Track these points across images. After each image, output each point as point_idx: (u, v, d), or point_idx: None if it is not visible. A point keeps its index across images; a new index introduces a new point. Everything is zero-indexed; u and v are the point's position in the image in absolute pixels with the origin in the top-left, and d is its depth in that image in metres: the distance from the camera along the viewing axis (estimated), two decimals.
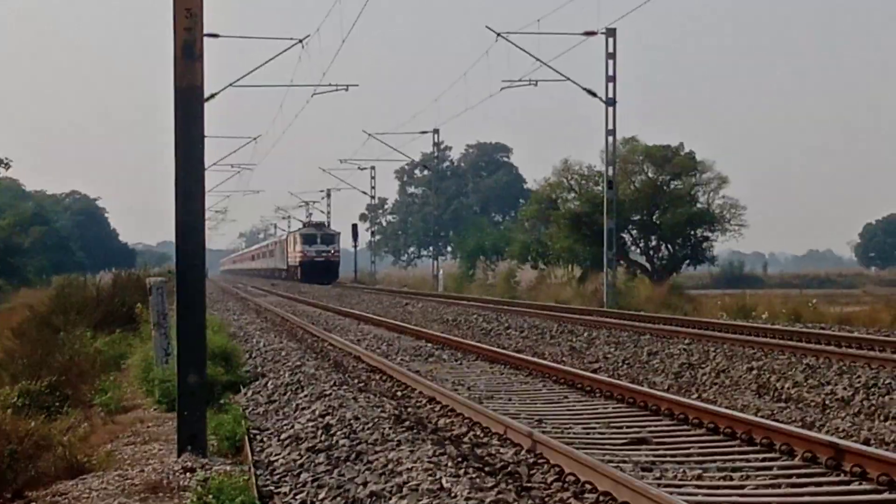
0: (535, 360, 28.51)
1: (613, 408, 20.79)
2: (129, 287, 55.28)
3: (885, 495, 13.14)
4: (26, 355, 31.70)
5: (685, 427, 18.40)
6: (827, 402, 21.65)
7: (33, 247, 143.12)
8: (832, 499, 13.17)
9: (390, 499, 12.94)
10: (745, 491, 13.74)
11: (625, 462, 15.20)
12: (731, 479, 14.50)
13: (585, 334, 36.40)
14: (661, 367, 27.55)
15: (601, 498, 13.22)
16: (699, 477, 14.62)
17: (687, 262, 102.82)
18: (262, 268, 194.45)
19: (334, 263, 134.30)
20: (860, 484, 13.79)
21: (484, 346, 32.52)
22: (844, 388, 22.14)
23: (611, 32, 58.21)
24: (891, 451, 15.26)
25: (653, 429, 18.30)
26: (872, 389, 21.61)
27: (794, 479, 14.30)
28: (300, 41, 64.22)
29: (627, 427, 18.55)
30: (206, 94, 18.18)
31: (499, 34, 57.18)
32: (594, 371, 26.10)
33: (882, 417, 19.75)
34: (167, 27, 17.40)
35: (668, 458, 15.83)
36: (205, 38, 17.83)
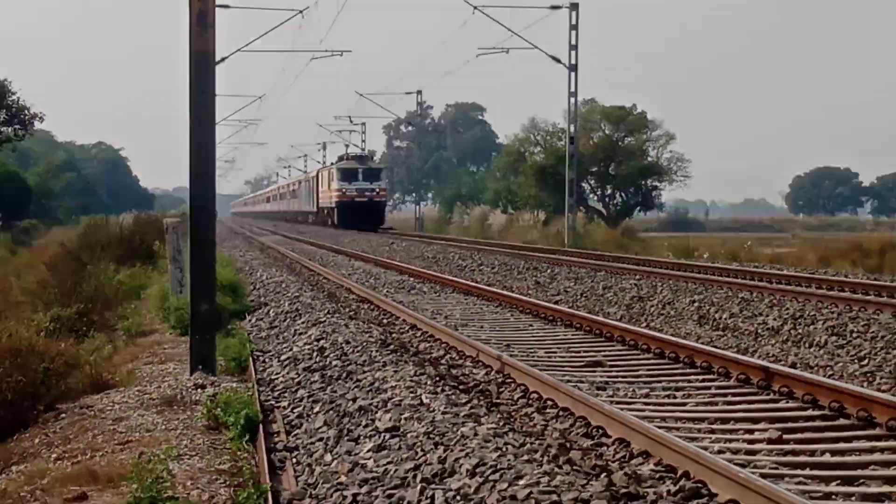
0: (504, 292, 28.56)
1: (572, 335, 20.80)
2: (148, 227, 55.29)
3: (809, 412, 13.16)
4: (57, 286, 31.75)
5: (635, 352, 18.42)
6: (759, 330, 21.68)
7: (64, 191, 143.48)
8: (763, 415, 13.18)
9: (376, 412, 12.93)
10: (687, 408, 13.75)
11: (582, 382, 15.20)
12: (675, 397, 14.54)
13: (548, 270, 36.31)
14: (615, 300, 27.55)
15: (561, 413, 13.22)
16: (647, 395, 14.66)
17: (638, 208, 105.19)
18: (281, 210, 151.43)
19: (380, 205, 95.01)
20: (787, 402, 13.82)
21: (459, 280, 32.46)
22: (774, 319, 22.17)
23: (574, 6, 57.92)
24: (814, 374, 15.28)
25: (607, 353, 18.30)
26: (799, 320, 21.64)
27: (729, 398, 14.34)
28: (300, 12, 64.01)
29: (584, 352, 18.56)
30: (217, 58, 18.12)
31: (475, 7, 56.94)
32: (556, 302, 26.08)
33: (807, 344, 19.79)
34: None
35: (620, 379, 15.85)
36: (216, 9, 17.80)
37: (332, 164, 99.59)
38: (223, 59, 56.14)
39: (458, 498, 9.37)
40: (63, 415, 15.86)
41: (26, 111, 74.52)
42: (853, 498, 9.72)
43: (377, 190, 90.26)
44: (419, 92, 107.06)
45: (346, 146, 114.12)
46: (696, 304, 25.24)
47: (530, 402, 14.08)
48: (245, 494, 10.27)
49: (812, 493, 9.61)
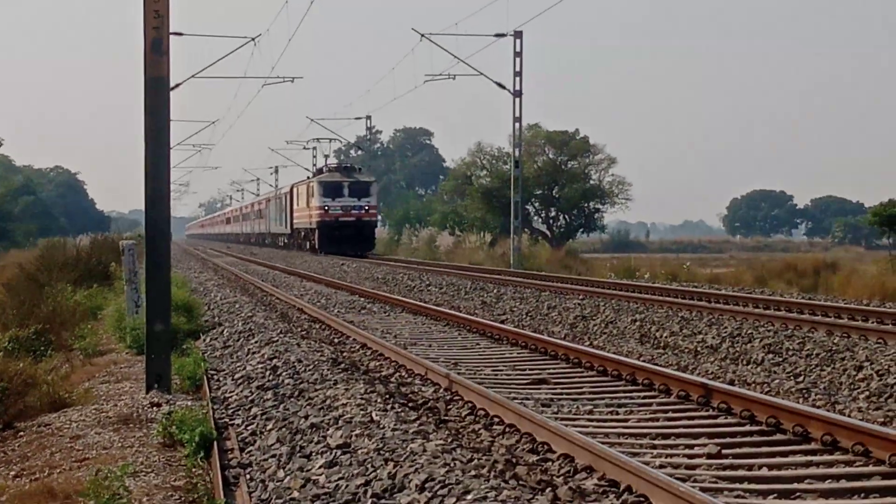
0: (452, 312, 28.55)
1: (518, 353, 20.85)
2: (104, 249, 55.69)
3: (747, 427, 13.24)
4: (15, 307, 31.68)
5: (579, 369, 18.48)
6: (698, 348, 21.78)
7: (22, 214, 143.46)
8: (702, 430, 13.26)
9: (328, 429, 12.93)
10: (629, 424, 13.82)
11: (527, 399, 15.25)
12: (618, 413, 14.59)
13: (494, 291, 36.38)
14: (559, 319, 27.61)
15: (507, 429, 13.25)
16: (590, 412, 14.71)
17: (581, 230, 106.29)
18: (244, 232, 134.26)
19: (370, 225, 76.21)
20: (726, 418, 13.90)
21: (408, 300, 32.52)
22: (713, 338, 22.27)
23: (518, 34, 58.03)
24: (752, 391, 15.38)
25: (551, 371, 18.37)
26: (737, 338, 21.75)
27: (670, 414, 14.41)
28: (252, 39, 64.13)
29: (530, 369, 18.62)
30: (171, 83, 18.14)
31: (423, 35, 57.20)
32: (502, 322, 26.13)
33: (745, 362, 19.89)
34: (138, 24, 17.39)
35: (564, 396, 15.90)
36: (170, 36, 17.81)
37: (311, 176, 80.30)
38: (177, 85, 56.28)
39: None
40: (21, 433, 15.83)
41: None
42: None
43: (366, 207, 71.42)
44: (368, 117, 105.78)
45: (326, 156, 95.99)
46: (637, 323, 25.32)
47: (478, 418, 14.10)
48: None
49: None
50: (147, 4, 17.25)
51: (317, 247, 73.27)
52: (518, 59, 58.60)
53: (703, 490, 9.91)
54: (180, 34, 58.57)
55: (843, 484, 10.66)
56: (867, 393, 16.42)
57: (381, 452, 11.49)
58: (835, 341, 20.42)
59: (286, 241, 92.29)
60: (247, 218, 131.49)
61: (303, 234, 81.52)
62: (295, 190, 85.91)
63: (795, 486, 10.64)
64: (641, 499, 9.85)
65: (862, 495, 10.26)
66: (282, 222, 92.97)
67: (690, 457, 11.91)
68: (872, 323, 23.14)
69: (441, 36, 58.25)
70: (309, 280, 45.17)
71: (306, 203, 77.30)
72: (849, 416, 14.07)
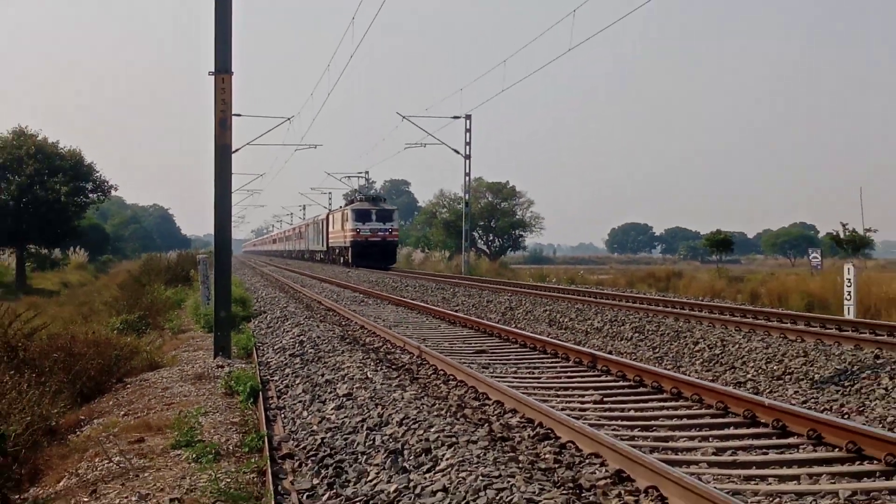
0: (422, 304, 28.16)
1: (466, 332, 20.76)
2: (186, 260, 56.32)
3: (621, 383, 13.23)
4: (125, 299, 31.89)
5: (508, 343, 18.40)
6: (588, 329, 21.77)
7: (130, 237, 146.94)
8: (591, 385, 13.22)
9: (337, 384, 12.90)
10: (541, 380, 13.76)
11: (472, 364, 15.19)
12: (534, 373, 14.53)
13: (451, 290, 36.22)
14: (494, 309, 27.56)
15: (458, 384, 13.20)
16: (515, 372, 14.64)
17: (509, 249, 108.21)
18: (287, 249, 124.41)
19: (392, 244, 70.81)
20: (606, 377, 13.88)
21: (393, 296, 32.36)
22: (598, 322, 22.27)
23: (468, 117, 57.82)
24: (623, 358, 15.36)
25: (489, 344, 18.27)
26: (614, 322, 21.74)
27: (569, 374, 14.37)
28: (289, 119, 63.97)
29: (475, 343, 18.52)
30: (233, 149, 18.10)
31: (404, 117, 57.22)
32: (455, 311, 26.05)
33: (619, 339, 19.86)
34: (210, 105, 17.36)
35: (498, 362, 15.84)
36: (233, 116, 17.77)
37: (345, 205, 72.29)
38: (237, 150, 56.23)
39: (391, 440, 9.36)
40: (128, 386, 15.88)
41: (105, 183, 73.88)
42: (648, 439, 9.78)
43: (390, 230, 66.12)
44: (367, 172, 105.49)
45: (355, 190, 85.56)
46: (547, 312, 25.30)
47: (439, 376, 14.06)
48: (250, 438, 10.23)
49: (622, 436, 9.66)
50: (217, 94, 17.19)
51: (350, 261, 67.05)
52: (468, 133, 58.59)
53: (591, 425, 9.91)
54: (239, 115, 58.74)
55: (686, 421, 10.67)
56: (701, 360, 16.45)
57: (373, 399, 11.47)
58: (680, 325, 20.45)
59: (322, 256, 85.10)
60: (289, 239, 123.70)
61: (337, 251, 74.71)
62: (331, 216, 78.88)
63: (653, 423, 10.66)
64: (549, 431, 9.85)
65: (697, 429, 10.29)
66: (319, 242, 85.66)
67: (582, 403, 11.91)
68: (704, 312, 23.21)
69: (416, 118, 58.33)
70: (325, 282, 45.03)
71: (341, 226, 70.92)
72: (689, 375, 14.11)
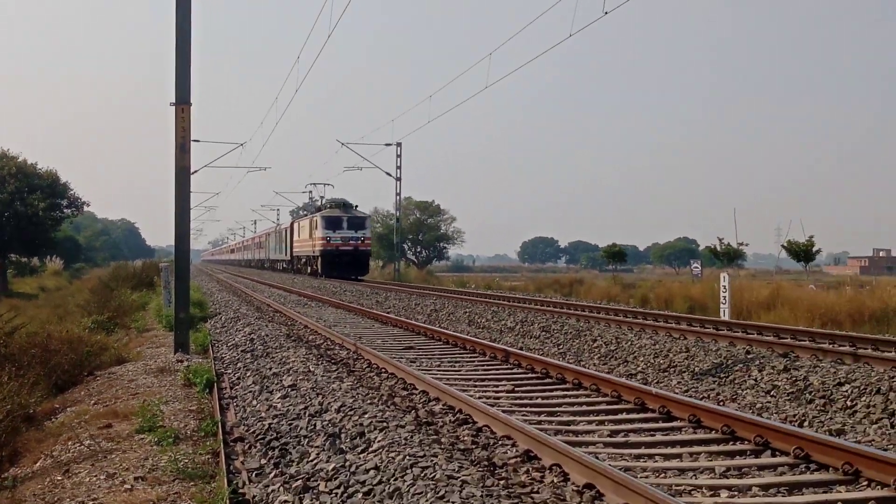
0: (358, 306, 27.96)
1: (397, 331, 20.72)
2: (150, 268, 55.75)
3: (530, 375, 13.28)
4: (96, 302, 31.59)
5: (433, 341, 18.38)
6: (502, 328, 21.84)
7: (101, 247, 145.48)
8: (504, 376, 13.25)
9: (283, 376, 12.83)
10: (461, 373, 13.76)
11: (402, 358, 15.18)
12: (455, 367, 14.53)
13: (384, 294, 36.15)
14: (421, 310, 27.53)
15: (389, 376, 13.17)
16: (439, 366, 14.62)
17: (435, 259, 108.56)
18: (246, 258, 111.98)
19: (365, 254, 59.50)
20: (517, 370, 13.92)
21: (332, 299, 32.22)
22: (511, 322, 22.35)
23: (399, 144, 57.78)
24: (532, 354, 15.42)
25: (416, 342, 18.24)
26: (524, 323, 21.83)
27: (485, 367, 14.39)
28: (241, 144, 63.86)
29: (404, 340, 18.49)
30: (192, 170, 17.97)
31: (343, 143, 56.77)
32: (387, 312, 26.00)
33: (529, 337, 19.96)
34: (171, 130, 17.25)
35: (424, 356, 15.82)
36: (192, 142, 17.61)
37: (313, 211, 59.48)
38: (195, 172, 56.09)
39: (329, 425, 9.33)
40: (98, 378, 15.72)
41: (78, 199, 73.50)
42: (553, 423, 9.84)
43: (362, 239, 54.57)
44: (311, 191, 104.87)
45: (322, 196, 68.97)
46: (467, 314, 25.35)
47: (372, 369, 14.03)
48: (205, 424, 10.17)
49: (530, 421, 9.70)
50: (177, 122, 17.06)
51: (319, 272, 55.29)
52: (399, 158, 58.66)
53: (504, 411, 9.95)
54: (197, 140, 58.57)
55: (585, 408, 10.74)
56: (599, 355, 16.58)
57: (315, 389, 11.43)
58: (581, 325, 20.59)
59: (285, 265, 72.55)
60: (248, 248, 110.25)
61: (304, 260, 62.92)
62: (296, 224, 66.47)
63: (557, 409, 10.71)
64: (468, 416, 9.86)
65: (594, 415, 10.37)
66: (281, 251, 73.29)
67: (497, 392, 11.94)
68: (601, 314, 23.41)
69: (353, 144, 58.15)
70: (273, 287, 44.78)
71: (309, 234, 58.89)
72: (588, 368, 14.20)
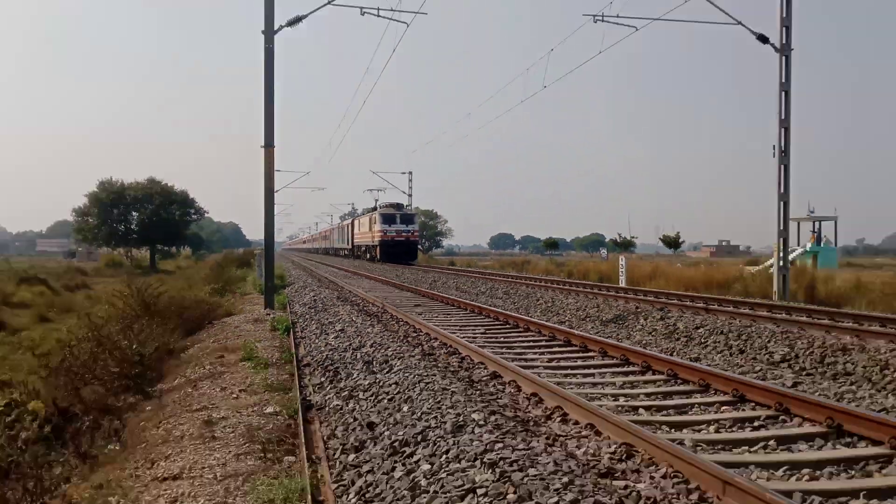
0: (383, 278, 27.63)
1: (409, 294, 20.64)
2: (248, 254, 55.47)
3: (496, 322, 13.27)
4: (213, 276, 31.30)
5: (436, 302, 18.30)
6: (477, 293, 21.78)
7: (216, 240, 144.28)
8: (479, 324, 13.23)
9: (335, 324, 12.83)
10: (451, 322, 13.69)
11: (412, 312, 15.17)
12: (447, 318, 14.47)
13: (401, 271, 35.88)
14: (424, 281, 27.36)
15: (404, 324, 13.14)
16: (437, 317, 14.55)
17: (434, 247, 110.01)
18: (315, 247, 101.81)
19: (414, 244, 51.88)
20: (488, 318, 13.91)
21: (366, 274, 31.93)
22: (483, 288, 22.31)
23: (410, 172, 57.31)
24: (498, 309, 15.39)
25: (424, 302, 18.21)
26: (492, 289, 21.79)
27: (467, 317, 14.33)
28: (307, 173, 63.53)
29: (414, 301, 18.41)
30: (276, 189, 17.84)
31: (374, 172, 55.53)
32: (403, 283, 25.88)
33: (495, 298, 19.90)
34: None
35: (427, 312, 15.75)
36: (275, 172, 17.46)
37: (374, 210, 51.47)
38: (277, 191, 55.95)
39: (366, 355, 9.34)
40: (214, 325, 15.61)
41: (201, 209, 74.35)
42: (510, 354, 9.82)
43: (412, 232, 48.01)
44: (352, 204, 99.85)
45: (376, 199, 59.39)
46: (455, 283, 25.31)
47: (393, 319, 14.00)
48: (285, 355, 10.18)
49: (496, 352, 9.70)
50: (266, 159, 16.80)
51: (377, 257, 48.02)
52: (410, 183, 58.09)
53: (478, 346, 9.97)
54: (279, 170, 58.38)
55: (531, 344, 10.70)
56: (541, 310, 16.56)
57: (356, 332, 11.43)
58: (529, 290, 20.59)
59: (346, 252, 64.00)
60: (315, 240, 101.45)
61: (363, 248, 54.24)
62: (356, 221, 58.81)
63: (514, 345, 10.69)
64: (456, 350, 9.88)
65: (538, 349, 10.38)
66: (344, 242, 65.16)
67: (474, 334, 11.90)
68: (542, 283, 23.42)
69: (381, 172, 57.70)
70: (330, 266, 44.57)
71: (368, 228, 51.13)
72: (533, 318, 14.22)
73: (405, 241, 47.00)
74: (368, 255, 51.00)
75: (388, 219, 47.24)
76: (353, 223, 60.13)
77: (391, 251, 46.28)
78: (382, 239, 46.70)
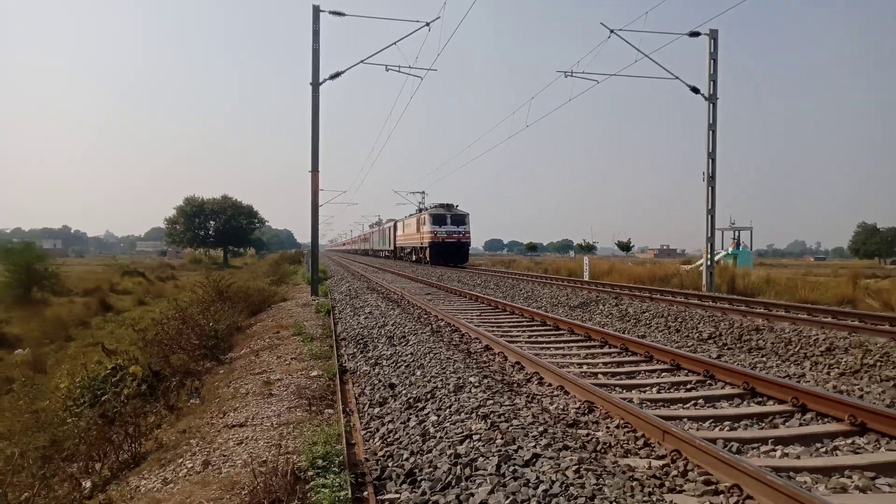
0: (401, 272, 27.44)
1: (422, 286, 20.42)
2: (298, 254, 54.87)
3: (488, 307, 13.14)
4: (271, 270, 31.12)
5: (441, 291, 18.03)
6: (474, 284, 21.45)
7: (273, 243, 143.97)
8: (475, 308, 13.07)
9: (365, 307, 12.78)
10: (454, 306, 13.52)
11: (424, 299, 15.07)
12: (451, 304, 14.30)
13: (416, 267, 35.14)
14: (434, 275, 27.03)
15: (418, 308, 13.09)
16: (443, 303, 14.40)
17: None
18: (354, 249, 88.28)
19: (465, 245, 33.72)
20: (482, 305, 13.77)
21: (389, 269, 31.66)
22: (479, 281, 22.05)
23: (423, 192, 51.99)
24: (487, 296, 15.28)
25: (433, 292, 18.07)
26: (486, 282, 21.43)
27: (467, 304, 14.16)
28: (343, 192, 62.83)
29: (426, 291, 18.25)
30: (321, 202, 17.73)
31: (396, 191, 53.90)
32: (417, 276, 25.64)
33: (487, 288, 19.65)
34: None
35: (436, 299, 15.62)
36: (319, 191, 17.35)
37: (424, 211, 39.68)
38: (322, 205, 55.23)
39: (388, 332, 9.30)
40: (272, 308, 15.49)
41: (262, 219, 74.78)
42: (500, 332, 9.76)
43: (463, 233, 37.01)
44: (379, 216, 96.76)
45: (419, 202, 47.99)
46: (458, 277, 24.89)
47: (410, 305, 13.95)
48: (326, 331, 10.12)
49: (488, 330, 9.64)
50: (312, 182, 16.66)
51: (426, 259, 37.44)
52: (422, 202, 57.04)
53: (475, 325, 9.94)
54: (323, 189, 57.75)
55: (515, 324, 10.61)
56: (523, 298, 16.36)
57: (382, 314, 11.39)
58: (514, 282, 20.45)
59: (387, 254, 52.17)
60: (355, 243, 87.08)
61: (408, 250, 42.89)
62: (399, 224, 46.51)
63: (502, 325, 10.61)
64: (457, 328, 9.85)
65: (521, 328, 10.33)
66: (385, 244, 52.63)
67: (471, 317, 11.79)
68: (524, 278, 23.27)
69: (400, 192, 55.75)
70: (361, 264, 44.39)
71: (416, 229, 39.68)
72: (517, 304, 14.15)
73: (456, 243, 35.99)
74: (415, 257, 40.13)
75: (438, 220, 36.25)
76: (395, 226, 48.36)
77: (442, 252, 35.73)
78: (433, 241, 36.04)
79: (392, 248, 48.76)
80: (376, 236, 60.42)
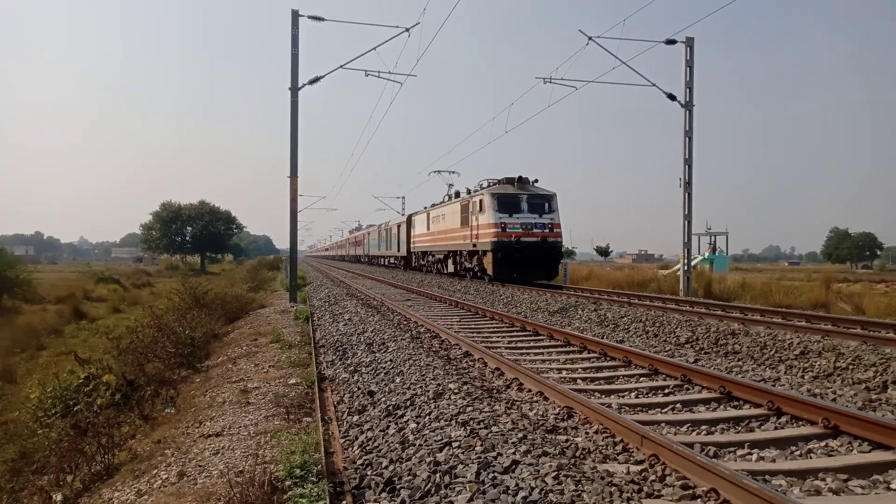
0: (382, 278, 27.29)
1: (402, 292, 20.38)
2: (277, 260, 54.33)
3: (469, 313, 13.15)
4: (249, 278, 30.79)
5: (420, 297, 18.02)
6: (454, 290, 21.45)
7: (251, 249, 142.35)
8: (456, 314, 13.07)
9: (344, 314, 12.70)
10: (434, 312, 13.55)
11: (403, 305, 15.04)
12: (430, 309, 14.26)
13: (396, 273, 35.13)
14: (414, 281, 27.07)
15: (398, 314, 13.05)
16: (423, 309, 14.37)
17: None
18: (339, 255, 74.20)
19: (555, 247, 14.95)
20: (464, 310, 13.73)
21: (368, 276, 31.58)
22: (460, 287, 22.03)
23: (403, 197, 53.62)
24: (469, 302, 15.27)
25: (412, 298, 18.05)
26: (466, 287, 21.43)
27: (446, 310, 14.13)
28: (324, 197, 62.51)
29: (405, 296, 18.25)
30: (298, 210, 17.66)
31: (376, 197, 52.59)
32: (397, 282, 25.59)
33: (468, 294, 19.65)
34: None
35: (416, 305, 15.60)
36: (297, 197, 17.27)
37: (481, 190, 18.52)
38: (300, 211, 55.21)
39: (367, 339, 9.25)
40: (250, 315, 15.32)
41: (240, 225, 73.98)
42: (479, 338, 9.77)
43: (551, 226, 16.58)
44: (358, 221, 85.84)
45: (449, 185, 29.38)
46: (438, 283, 24.90)
47: (391, 311, 13.91)
48: (305, 338, 10.04)
49: (468, 336, 9.63)
50: (291, 187, 16.67)
51: (488, 273, 20.03)
52: (404, 207, 56.73)
53: (455, 332, 9.93)
54: (302, 195, 57.76)
55: (495, 329, 10.63)
56: (503, 304, 16.37)
57: (362, 321, 11.32)
58: (495, 288, 20.24)
59: (394, 261, 38.26)
60: (342, 247, 71.63)
61: (439, 257, 27.08)
62: (420, 216, 30.37)
63: (482, 330, 10.62)
64: (437, 334, 9.83)
65: (500, 333, 10.31)
66: (390, 247, 38.87)
67: (451, 322, 11.77)
68: (504, 284, 23.27)
69: (383, 197, 55.64)
70: (342, 270, 44.13)
71: (457, 222, 22.99)
72: (497, 310, 14.16)
73: (541, 244, 19.68)
74: (454, 268, 24.96)
75: (507, 203, 19.79)
76: (410, 220, 33.01)
77: (517, 260, 19.91)
78: (499, 239, 19.77)
79: (404, 253, 34.10)
80: (374, 237, 46.40)
